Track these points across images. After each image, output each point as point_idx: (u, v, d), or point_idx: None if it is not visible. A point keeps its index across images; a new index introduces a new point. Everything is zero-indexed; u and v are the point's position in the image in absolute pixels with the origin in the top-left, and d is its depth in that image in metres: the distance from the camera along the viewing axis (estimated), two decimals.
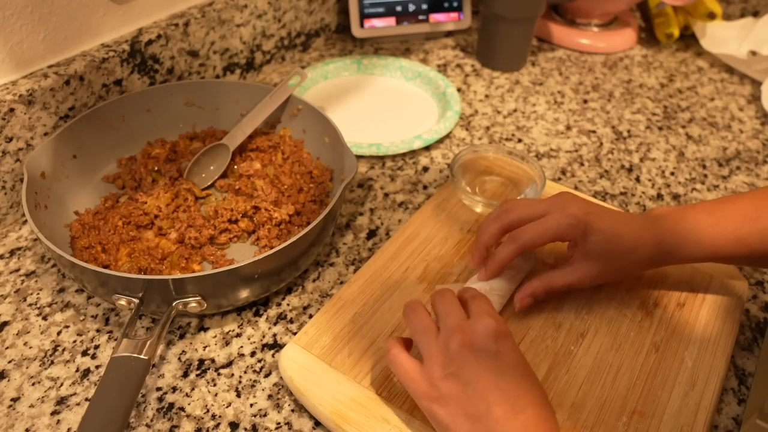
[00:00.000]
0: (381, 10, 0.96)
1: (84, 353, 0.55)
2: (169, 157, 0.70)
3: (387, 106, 0.87)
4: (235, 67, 0.85)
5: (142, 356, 0.47)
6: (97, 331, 0.56)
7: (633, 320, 0.57)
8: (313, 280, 0.62)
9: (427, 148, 0.79)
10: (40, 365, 0.53)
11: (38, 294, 0.59)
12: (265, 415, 0.51)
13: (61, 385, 0.52)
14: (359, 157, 0.76)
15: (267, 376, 0.53)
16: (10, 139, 0.63)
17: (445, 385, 0.43)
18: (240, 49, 0.85)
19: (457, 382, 0.43)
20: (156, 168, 0.69)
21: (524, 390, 0.43)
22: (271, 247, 0.60)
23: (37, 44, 0.64)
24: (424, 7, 0.98)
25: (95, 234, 0.61)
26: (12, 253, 0.63)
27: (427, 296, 0.58)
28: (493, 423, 0.41)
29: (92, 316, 0.58)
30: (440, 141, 0.80)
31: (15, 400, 0.51)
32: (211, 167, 0.70)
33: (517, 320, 0.56)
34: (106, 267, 0.58)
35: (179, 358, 0.55)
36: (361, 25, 0.96)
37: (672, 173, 0.78)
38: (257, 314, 0.58)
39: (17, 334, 0.56)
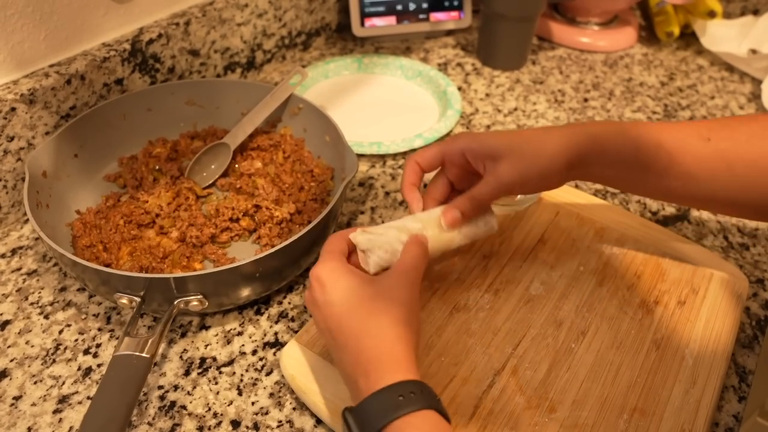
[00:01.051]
0: (381, 9, 0.96)
1: (86, 352, 0.55)
2: (170, 156, 0.70)
3: (387, 104, 0.87)
4: (235, 66, 0.85)
5: (143, 354, 0.47)
6: (99, 329, 0.56)
7: (634, 318, 0.57)
8: None
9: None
10: (42, 364, 0.53)
11: (40, 293, 0.59)
12: (266, 414, 0.51)
13: (63, 383, 0.52)
14: (360, 155, 0.76)
15: (268, 374, 0.53)
16: (12, 139, 0.63)
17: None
18: (241, 48, 0.85)
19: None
20: (157, 167, 0.69)
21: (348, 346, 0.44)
22: (272, 246, 0.60)
23: (39, 43, 0.64)
24: (425, 6, 0.98)
25: (96, 233, 0.61)
26: (14, 252, 0.63)
27: (427, 294, 0.58)
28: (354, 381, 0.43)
29: (94, 315, 0.58)
30: (441, 139, 0.80)
31: (17, 398, 0.51)
32: (212, 166, 0.70)
33: (518, 318, 0.56)
34: (107, 266, 0.58)
35: (181, 357, 0.55)
36: (362, 24, 0.96)
37: None
38: (258, 312, 0.59)
39: (19, 333, 0.56)
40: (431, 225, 0.51)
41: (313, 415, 0.51)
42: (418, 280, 0.47)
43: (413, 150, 0.78)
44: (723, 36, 1.02)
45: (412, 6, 0.97)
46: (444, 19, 1.00)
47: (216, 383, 0.53)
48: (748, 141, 0.49)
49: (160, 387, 0.52)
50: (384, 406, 0.40)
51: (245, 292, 0.55)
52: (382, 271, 0.49)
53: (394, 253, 0.49)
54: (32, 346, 0.55)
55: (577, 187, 0.74)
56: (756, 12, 1.08)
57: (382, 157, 0.77)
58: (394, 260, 0.49)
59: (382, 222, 0.68)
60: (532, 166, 0.50)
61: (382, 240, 0.49)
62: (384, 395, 0.41)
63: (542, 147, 0.50)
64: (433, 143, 0.58)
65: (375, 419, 0.40)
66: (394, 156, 0.77)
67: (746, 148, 0.49)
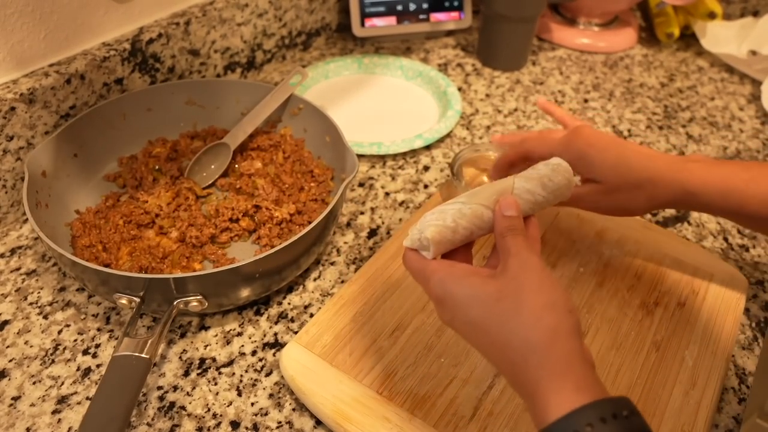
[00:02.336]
0: (382, 9, 0.96)
1: (85, 352, 0.54)
2: (170, 156, 0.70)
3: (388, 105, 0.87)
4: (236, 66, 0.85)
5: (143, 355, 0.47)
6: (98, 330, 0.56)
7: (634, 319, 0.57)
8: (314, 279, 0.62)
9: (428, 148, 0.79)
10: (41, 364, 0.53)
11: (39, 293, 0.59)
12: (266, 414, 0.51)
13: (62, 384, 0.52)
14: (360, 156, 0.76)
15: (268, 375, 0.53)
16: (11, 138, 0.63)
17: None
18: (241, 48, 0.85)
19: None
20: (157, 167, 0.69)
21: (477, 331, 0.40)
22: (272, 246, 0.60)
23: (38, 43, 0.64)
24: (425, 6, 0.98)
25: (96, 233, 0.60)
26: (13, 251, 0.63)
27: (427, 296, 0.58)
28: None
29: (93, 315, 0.57)
30: (441, 140, 0.80)
31: (16, 399, 0.51)
32: (212, 166, 0.69)
33: None
34: (107, 266, 0.58)
35: (180, 357, 0.54)
36: (362, 25, 0.96)
37: None
38: (258, 313, 0.58)
39: (18, 333, 0.56)
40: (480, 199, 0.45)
41: (312, 416, 0.50)
42: (536, 247, 0.42)
43: (413, 150, 0.78)
44: (723, 37, 1.02)
45: (412, 6, 0.97)
46: (444, 19, 1.00)
47: (215, 384, 0.52)
48: None
49: (160, 387, 0.52)
50: None
51: (245, 293, 0.55)
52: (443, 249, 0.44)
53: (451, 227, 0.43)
54: (31, 347, 0.55)
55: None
56: (756, 13, 1.07)
57: (383, 158, 0.77)
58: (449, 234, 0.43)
59: (383, 222, 0.68)
60: (633, 206, 0.55)
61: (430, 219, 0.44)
62: (561, 428, 0.33)
63: (648, 180, 0.53)
64: (546, 141, 0.56)
65: None
66: (395, 156, 0.77)
67: None
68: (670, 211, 0.71)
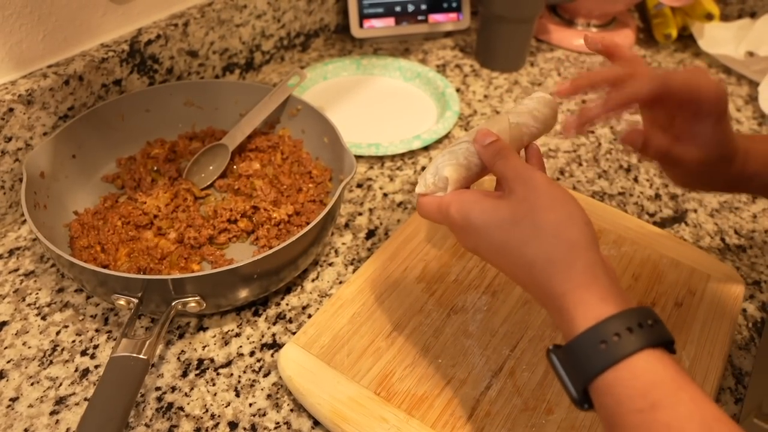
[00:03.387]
0: (380, 10, 0.96)
1: (83, 353, 0.54)
2: (168, 157, 0.70)
3: (386, 106, 0.87)
4: (234, 67, 0.85)
5: (141, 356, 0.47)
6: (96, 330, 0.56)
7: None
8: (312, 280, 0.62)
9: (426, 149, 0.79)
10: (39, 365, 0.53)
11: (37, 294, 0.59)
12: (264, 415, 0.51)
13: (60, 384, 0.52)
14: (358, 157, 0.76)
15: (266, 375, 0.53)
16: (10, 139, 0.63)
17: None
18: (239, 49, 0.85)
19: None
20: (155, 168, 0.69)
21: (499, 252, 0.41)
22: (270, 247, 0.60)
23: (37, 44, 0.64)
24: (423, 7, 0.98)
25: (94, 234, 0.60)
26: (11, 252, 0.63)
27: (425, 296, 0.58)
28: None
29: (91, 316, 0.57)
30: (439, 141, 0.80)
31: (14, 400, 0.51)
32: (211, 167, 0.69)
33: (516, 320, 0.56)
34: (105, 267, 0.58)
35: (178, 358, 0.54)
36: (361, 26, 0.96)
37: None
38: (256, 314, 0.58)
39: (16, 334, 0.56)
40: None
41: (310, 416, 0.51)
42: (539, 165, 0.44)
43: (411, 151, 0.78)
44: (720, 38, 1.02)
45: (410, 7, 0.97)
46: (442, 20, 1.00)
47: (213, 384, 0.53)
48: None
49: (158, 388, 0.52)
50: (585, 357, 0.34)
51: (243, 294, 0.55)
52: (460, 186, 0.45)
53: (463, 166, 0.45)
54: (29, 348, 0.55)
55: (574, 189, 0.74)
56: (753, 15, 1.08)
57: (381, 159, 0.77)
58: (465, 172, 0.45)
59: (381, 223, 0.68)
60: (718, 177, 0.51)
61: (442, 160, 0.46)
62: (582, 342, 0.35)
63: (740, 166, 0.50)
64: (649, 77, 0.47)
65: (580, 370, 0.35)
66: (393, 157, 0.77)
67: None
68: (667, 211, 0.72)
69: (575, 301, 0.36)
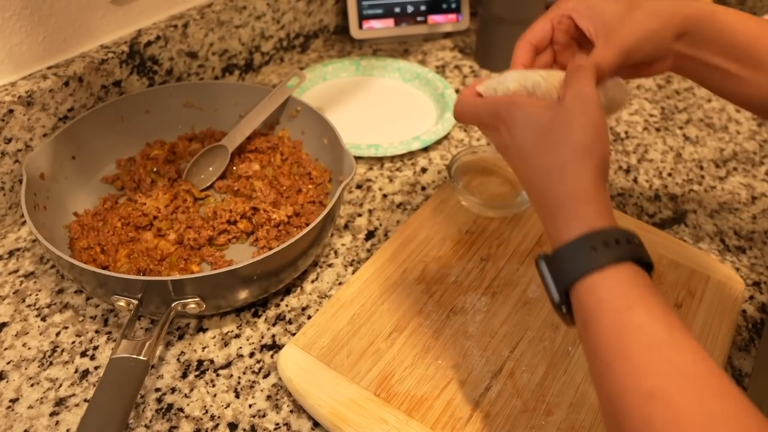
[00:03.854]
0: (379, 11, 0.96)
1: (83, 354, 0.54)
2: (168, 158, 0.70)
3: (385, 107, 0.87)
4: (233, 68, 0.85)
5: (141, 357, 0.47)
6: (96, 332, 0.56)
7: None
8: (312, 281, 0.62)
9: (426, 149, 0.79)
10: (39, 366, 0.53)
11: (37, 295, 0.59)
12: (263, 416, 0.51)
13: (60, 386, 0.52)
14: (358, 158, 0.76)
15: (266, 376, 0.53)
16: (9, 140, 0.63)
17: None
18: (239, 50, 0.85)
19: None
20: (155, 169, 0.69)
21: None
22: (270, 248, 0.60)
23: (37, 45, 0.64)
24: (423, 8, 0.98)
25: (94, 235, 0.60)
26: (11, 254, 0.63)
27: (425, 297, 0.58)
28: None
29: (91, 317, 0.57)
30: (438, 142, 0.80)
31: (14, 401, 0.51)
32: (210, 168, 0.70)
33: (516, 320, 0.56)
34: (105, 268, 0.58)
35: (178, 359, 0.54)
36: (360, 27, 0.96)
37: (669, 174, 0.78)
38: (256, 315, 0.58)
39: (16, 335, 0.56)
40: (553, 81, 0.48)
41: (310, 417, 0.51)
42: (593, 95, 0.43)
43: (411, 152, 0.78)
44: None
45: (410, 8, 0.98)
46: (442, 21, 1.00)
47: (213, 386, 0.53)
48: None
49: (158, 389, 0.52)
50: (573, 260, 0.38)
51: (243, 295, 0.55)
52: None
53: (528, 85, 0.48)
54: (29, 349, 0.55)
55: None
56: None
57: (380, 160, 0.77)
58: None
59: (380, 224, 0.68)
60: (655, 26, 0.49)
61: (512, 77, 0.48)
62: (574, 247, 0.39)
63: (659, 8, 0.49)
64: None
65: (566, 273, 0.39)
66: (392, 158, 0.77)
67: None
68: (666, 213, 0.72)
69: (574, 210, 0.40)
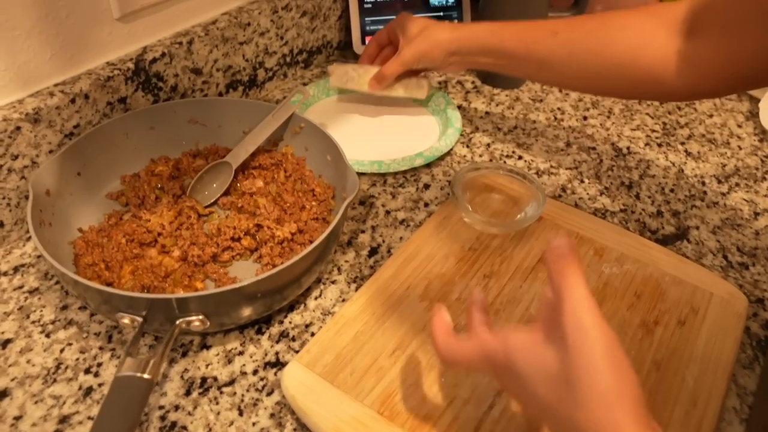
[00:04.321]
0: (381, 27, 0.97)
1: (87, 371, 0.55)
2: (172, 175, 0.70)
3: (389, 123, 0.87)
4: (237, 84, 0.86)
5: (145, 376, 0.47)
6: (100, 348, 0.56)
7: (633, 338, 0.57)
8: (315, 298, 0.62)
9: (429, 165, 0.79)
10: (42, 383, 0.53)
11: (41, 311, 0.59)
12: None
13: (64, 403, 0.52)
14: (361, 174, 0.76)
15: (269, 394, 0.53)
16: (16, 157, 0.63)
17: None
18: (243, 66, 0.85)
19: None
20: (159, 185, 0.69)
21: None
22: (274, 265, 0.60)
23: (44, 63, 0.65)
24: None
25: (99, 251, 0.61)
26: (16, 269, 0.63)
27: (428, 315, 0.58)
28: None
29: (95, 334, 0.58)
30: (441, 158, 0.81)
31: (17, 418, 0.51)
32: (214, 185, 0.70)
33: None
34: (109, 284, 0.58)
35: (182, 376, 0.55)
36: (363, 42, 0.97)
37: (671, 190, 0.78)
38: (259, 332, 0.59)
39: (20, 352, 0.56)
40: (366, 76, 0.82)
41: None
42: (596, 318, 0.38)
43: (414, 168, 0.78)
44: None
45: None
46: None
47: (217, 403, 0.53)
48: (587, 35, 0.65)
49: (161, 407, 0.52)
50: None
51: (247, 312, 0.55)
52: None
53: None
54: (33, 365, 0.55)
55: (576, 206, 0.74)
56: None
57: (383, 176, 0.77)
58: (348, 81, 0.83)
59: (383, 241, 0.68)
60: (427, 49, 0.76)
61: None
62: None
63: (437, 36, 0.75)
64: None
65: None
66: (395, 175, 0.77)
67: (585, 41, 0.65)
68: (669, 229, 0.72)
69: None
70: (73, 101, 0.66)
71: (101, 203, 0.68)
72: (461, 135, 0.85)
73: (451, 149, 0.82)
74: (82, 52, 0.69)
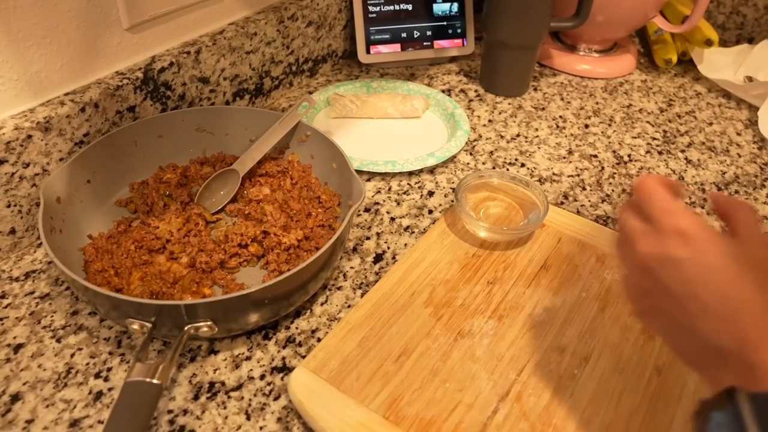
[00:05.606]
0: (387, 36, 0.98)
1: (97, 375, 0.55)
2: (180, 182, 0.71)
3: (397, 127, 0.88)
4: (244, 92, 0.87)
5: (154, 381, 0.48)
6: (110, 353, 0.57)
7: (635, 344, 0.57)
8: (321, 304, 0.62)
9: (432, 173, 0.80)
10: (53, 387, 0.54)
11: (52, 316, 0.60)
12: None
13: (75, 407, 0.52)
14: (370, 176, 0.77)
15: (276, 399, 0.54)
16: (27, 165, 0.64)
17: (643, 303, 0.42)
18: (249, 75, 0.86)
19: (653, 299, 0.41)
20: (167, 192, 0.70)
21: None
22: (280, 272, 0.61)
23: (55, 73, 0.66)
24: (429, 33, 1.00)
25: (108, 258, 0.61)
26: (27, 275, 0.64)
27: (433, 320, 0.58)
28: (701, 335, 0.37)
29: (105, 339, 0.58)
30: (445, 165, 0.81)
31: (29, 422, 0.51)
32: (222, 192, 0.70)
33: (522, 344, 0.57)
34: (118, 290, 0.58)
35: (190, 381, 0.55)
36: (368, 51, 0.98)
37: None
38: (266, 337, 0.59)
39: (32, 357, 0.56)
40: None
41: None
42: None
43: (419, 177, 0.79)
44: (720, 63, 1.03)
45: (416, 34, 0.99)
46: (447, 46, 1.01)
47: (225, 408, 0.53)
48: None
49: (170, 411, 0.53)
50: None
51: (254, 318, 0.55)
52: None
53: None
54: (44, 370, 0.55)
55: (578, 213, 0.75)
56: (751, 41, 1.09)
57: (388, 183, 0.78)
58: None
59: (388, 247, 0.69)
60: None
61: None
62: None
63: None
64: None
65: None
66: (400, 182, 0.78)
67: None
68: None
69: None
70: (83, 110, 0.67)
71: (110, 210, 0.69)
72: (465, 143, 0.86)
73: (456, 156, 0.83)
74: (92, 62, 0.69)
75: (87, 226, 0.65)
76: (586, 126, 0.91)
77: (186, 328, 0.52)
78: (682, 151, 0.87)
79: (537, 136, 0.88)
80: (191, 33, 0.79)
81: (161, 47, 0.76)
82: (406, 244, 0.69)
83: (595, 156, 0.85)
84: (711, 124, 0.93)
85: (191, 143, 0.75)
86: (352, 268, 0.66)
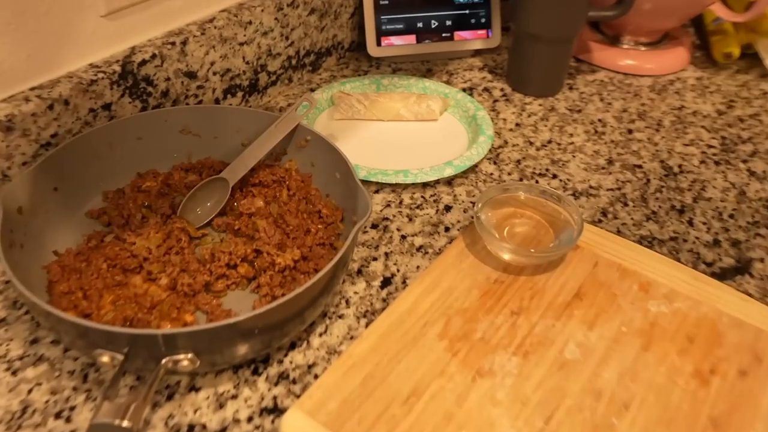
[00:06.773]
0: (400, 26, 0.98)
1: (57, 416, 0.55)
2: (161, 191, 0.71)
3: (411, 131, 0.88)
4: (236, 89, 0.87)
5: (124, 424, 0.47)
6: (74, 389, 0.57)
7: (686, 390, 0.56)
8: (320, 335, 0.62)
9: (450, 184, 0.79)
10: (5, 430, 0.54)
11: (8, 345, 0.60)
12: None
13: None
14: (379, 186, 0.77)
15: None
16: None
17: None
18: (243, 69, 0.87)
19: None
20: (146, 203, 0.70)
21: None
22: (273, 297, 0.61)
23: (19, 64, 0.66)
24: (448, 23, 1.00)
25: (76, 278, 0.61)
26: None
27: (447, 356, 0.58)
28: None
29: (68, 372, 0.58)
30: (465, 176, 0.81)
31: None
32: (208, 203, 0.71)
33: (551, 386, 0.56)
34: (87, 316, 0.58)
35: (166, 423, 0.55)
36: (378, 43, 0.98)
37: (731, 215, 0.77)
38: (256, 372, 0.59)
39: None
40: None
41: None
42: None
43: (434, 190, 0.78)
44: None
45: (434, 23, 0.99)
46: (470, 38, 1.01)
47: None
48: None
49: None
50: None
51: (242, 350, 0.55)
52: None
53: None
54: None
55: (618, 232, 0.74)
56: None
57: (399, 196, 0.78)
58: None
59: (398, 270, 0.68)
60: None
61: None
62: None
63: None
64: None
65: None
66: (412, 195, 0.78)
67: None
68: (728, 261, 0.71)
69: None
70: (50, 107, 0.67)
71: (80, 223, 0.69)
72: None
73: (477, 165, 0.82)
74: (63, 52, 0.70)
75: (53, 240, 0.65)
76: (630, 131, 0.91)
77: (163, 361, 0.52)
78: (744, 162, 0.86)
79: (572, 143, 0.88)
80: (177, 21, 0.80)
81: (142, 37, 0.77)
82: (418, 267, 0.69)
83: (640, 166, 0.84)
84: None
85: (175, 147, 0.75)
86: (356, 293, 0.66)
